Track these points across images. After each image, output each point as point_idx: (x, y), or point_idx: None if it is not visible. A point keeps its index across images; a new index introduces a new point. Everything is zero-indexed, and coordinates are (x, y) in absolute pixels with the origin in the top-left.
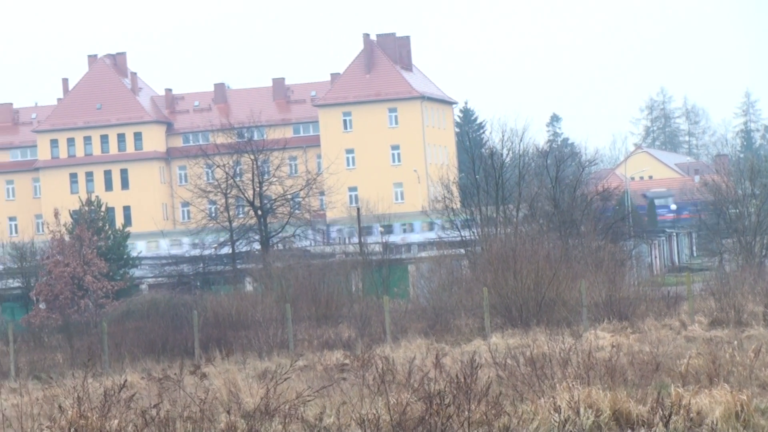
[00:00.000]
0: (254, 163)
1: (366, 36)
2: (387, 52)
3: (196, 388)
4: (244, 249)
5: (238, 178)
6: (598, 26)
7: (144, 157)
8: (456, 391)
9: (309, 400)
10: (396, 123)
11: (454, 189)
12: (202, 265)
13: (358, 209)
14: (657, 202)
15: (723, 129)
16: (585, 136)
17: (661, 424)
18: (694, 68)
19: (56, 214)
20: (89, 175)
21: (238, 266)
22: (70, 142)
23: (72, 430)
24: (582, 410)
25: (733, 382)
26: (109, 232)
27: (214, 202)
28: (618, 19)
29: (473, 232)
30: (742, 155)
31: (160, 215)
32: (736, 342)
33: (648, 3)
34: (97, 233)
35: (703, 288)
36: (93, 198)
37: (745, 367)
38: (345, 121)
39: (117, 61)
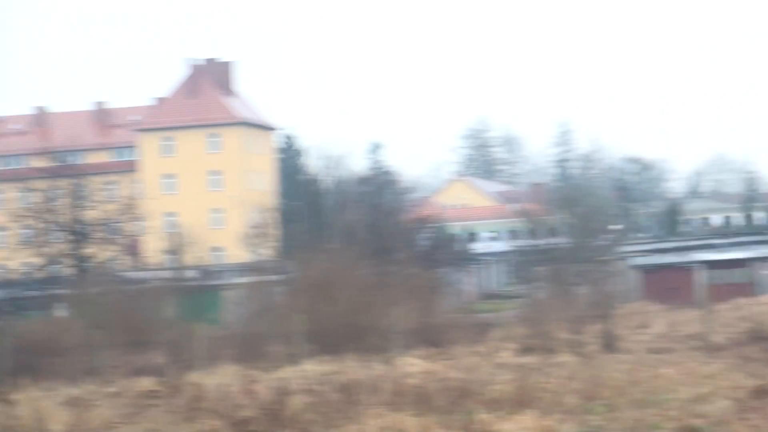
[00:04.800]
0: (71, 187)
1: (190, 61)
2: (211, 78)
3: (2, 415)
4: (58, 274)
5: (54, 203)
6: (418, 54)
7: None
8: (266, 417)
9: (117, 427)
10: (217, 149)
11: (273, 216)
12: (14, 289)
13: (176, 235)
14: (473, 230)
15: (540, 158)
16: (405, 164)
17: None
18: (513, 98)
19: None
20: None
21: (52, 291)
22: None
23: None
24: None
25: (539, 407)
26: None
27: (29, 227)
28: (437, 48)
29: (291, 258)
30: (558, 184)
31: None
32: (550, 369)
33: (466, 31)
34: None
35: (514, 315)
36: None
37: (553, 393)
38: (166, 146)
39: None
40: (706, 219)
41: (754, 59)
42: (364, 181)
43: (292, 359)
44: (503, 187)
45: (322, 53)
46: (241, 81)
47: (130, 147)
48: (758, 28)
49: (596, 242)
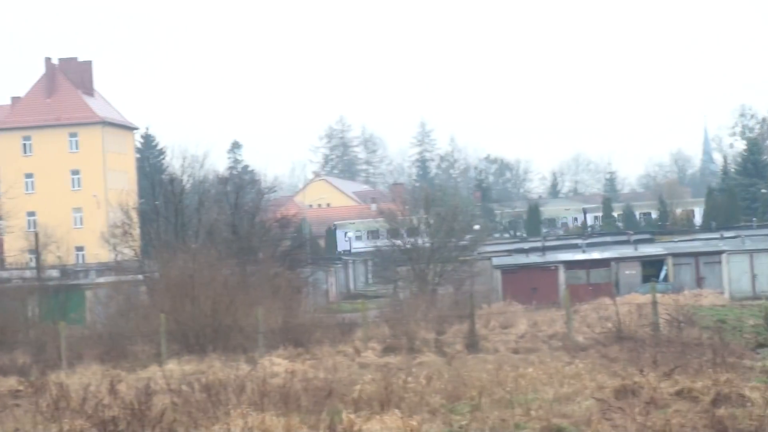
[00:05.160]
0: None
1: (48, 60)
2: (69, 77)
3: None
4: None
5: None
6: (277, 53)
7: None
8: (130, 417)
9: None
10: (76, 148)
11: (134, 215)
12: None
13: (36, 234)
14: (336, 229)
15: (400, 158)
16: (265, 164)
17: None
18: (372, 98)
19: None
20: None
21: None
22: None
23: None
24: None
25: (404, 408)
26: None
27: None
28: (297, 47)
29: (152, 258)
30: (417, 184)
31: None
32: (414, 369)
33: (326, 31)
34: None
35: (377, 315)
36: None
37: (417, 393)
38: (25, 145)
39: None
40: (566, 219)
41: (612, 61)
42: (224, 180)
43: (156, 359)
44: (364, 187)
45: (183, 53)
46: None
47: None
48: (616, 31)
49: (458, 242)
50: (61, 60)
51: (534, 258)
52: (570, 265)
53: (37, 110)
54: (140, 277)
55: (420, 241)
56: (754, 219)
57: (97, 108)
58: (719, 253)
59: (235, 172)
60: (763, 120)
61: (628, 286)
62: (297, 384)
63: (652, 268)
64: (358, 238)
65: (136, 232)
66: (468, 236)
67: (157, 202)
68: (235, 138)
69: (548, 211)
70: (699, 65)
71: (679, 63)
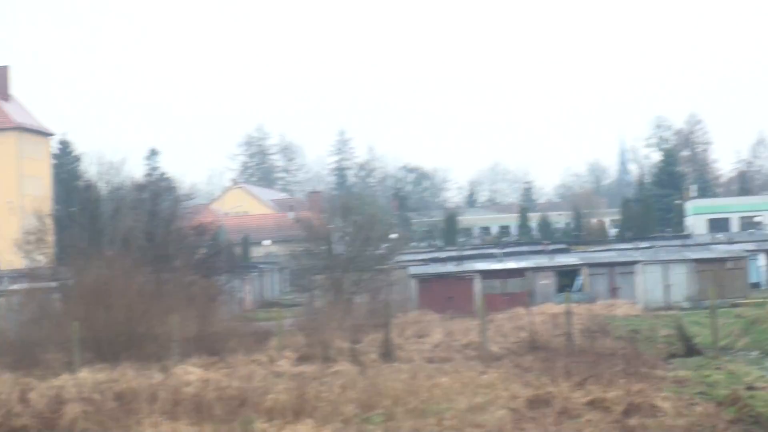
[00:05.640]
0: None
1: None
2: None
3: None
4: None
5: None
6: (194, 61)
7: None
8: (41, 426)
9: None
10: None
11: (48, 221)
12: None
13: None
14: (252, 237)
15: (318, 166)
16: (183, 171)
17: None
18: (291, 106)
19: None
20: None
21: None
22: None
23: None
24: None
25: (317, 417)
26: None
27: None
28: (213, 55)
29: (67, 265)
30: (335, 192)
31: None
32: (328, 378)
33: (243, 40)
34: None
35: (292, 324)
36: None
37: (330, 402)
38: None
39: None
40: (483, 228)
41: (530, 71)
42: (140, 187)
43: (69, 367)
44: (281, 195)
45: (101, 59)
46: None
47: None
48: (533, 41)
49: (374, 251)
50: None
51: (450, 267)
52: (486, 274)
53: None
54: (54, 284)
55: (337, 250)
56: (668, 229)
57: (12, 113)
58: (633, 263)
59: (152, 179)
60: (679, 131)
61: (544, 296)
62: (210, 393)
63: (567, 278)
64: (275, 246)
65: (51, 238)
66: (385, 245)
67: (72, 209)
68: (152, 145)
69: (465, 220)
70: (615, 76)
71: (595, 73)
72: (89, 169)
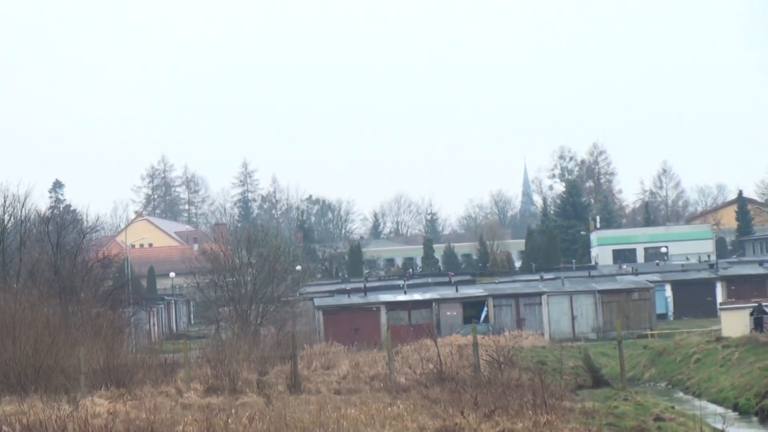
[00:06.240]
0: None
1: None
2: None
3: None
4: None
5: None
6: (96, 93)
7: None
8: None
9: None
10: None
11: None
12: None
13: None
14: (156, 269)
15: (222, 198)
16: (87, 203)
17: None
18: (194, 138)
19: None
20: None
21: None
22: None
23: None
24: None
25: None
26: None
27: None
28: (116, 87)
29: None
30: (240, 224)
31: None
32: (236, 410)
33: (145, 71)
34: None
35: (199, 355)
36: None
37: None
38: None
39: None
40: (388, 260)
41: (431, 102)
42: (46, 220)
43: None
44: (186, 227)
45: (2, 89)
46: None
47: None
48: (434, 72)
49: (279, 283)
50: None
51: (356, 299)
52: (391, 306)
53: None
54: None
55: (242, 282)
56: (573, 261)
57: None
58: (539, 294)
59: (56, 211)
60: (582, 162)
61: (450, 327)
62: (119, 425)
63: (473, 309)
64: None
65: None
66: (290, 277)
67: None
68: (56, 177)
69: (370, 251)
70: (518, 107)
71: (498, 104)
72: None
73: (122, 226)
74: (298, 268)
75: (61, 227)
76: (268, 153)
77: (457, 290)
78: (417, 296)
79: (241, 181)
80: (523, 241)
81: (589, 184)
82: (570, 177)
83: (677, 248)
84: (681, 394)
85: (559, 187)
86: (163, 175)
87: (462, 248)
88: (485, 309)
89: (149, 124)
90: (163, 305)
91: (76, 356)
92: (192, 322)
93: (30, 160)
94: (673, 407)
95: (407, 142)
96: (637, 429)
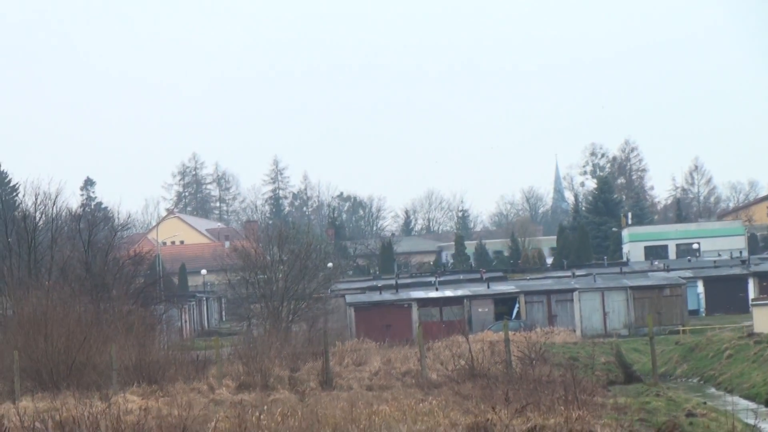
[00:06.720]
0: None
1: None
2: None
3: None
4: None
5: None
6: (129, 90)
7: None
8: None
9: None
10: None
11: None
12: None
13: None
14: (188, 267)
15: (253, 195)
16: (118, 201)
17: None
18: (225, 135)
19: None
20: None
21: None
22: None
23: None
24: None
25: None
26: None
27: None
28: (147, 84)
29: (5, 295)
30: (271, 222)
31: None
32: (268, 407)
33: (178, 68)
34: None
35: (231, 352)
36: None
37: (271, 430)
38: None
39: None
40: (420, 257)
41: (463, 99)
42: (77, 217)
43: (10, 396)
44: (217, 225)
45: (36, 88)
46: None
47: None
48: (466, 69)
49: (311, 280)
50: None
51: (387, 296)
52: (423, 302)
53: None
54: None
55: (273, 279)
56: (604, 257)
57: None
58: (571, 291)
59: (88, 209)
60: (614, 159)
61: (481, 324)
62: (151, 421)
63: (504, 305)
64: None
65: None
66: (321, 274)
67: (9, 239)
68: (88, 175)
69: (401, 248)
70: (550, 103)
71: (530, 101)
72: (26, 199)
73: (153, 223)
74: (330, 265)
75: (93, 225)
76: (298, 151)
77: (488, 287)
78: (448, 293)
79: (271, 179)
80: (555, 237)
81: (621, 180)
82: (601, 174)
83: (709, 244)
84: (713, 389)
85: (591, 184)
86: (194, 173)
87: (493, 245)
88: (516, 305)
89: (180, 122)
90: (194, 302)
91: (108, 353)
92: (223, 319)
93: (61, 158)
94: (704, 403)
95: (439, 140)
96: (669, 425)
